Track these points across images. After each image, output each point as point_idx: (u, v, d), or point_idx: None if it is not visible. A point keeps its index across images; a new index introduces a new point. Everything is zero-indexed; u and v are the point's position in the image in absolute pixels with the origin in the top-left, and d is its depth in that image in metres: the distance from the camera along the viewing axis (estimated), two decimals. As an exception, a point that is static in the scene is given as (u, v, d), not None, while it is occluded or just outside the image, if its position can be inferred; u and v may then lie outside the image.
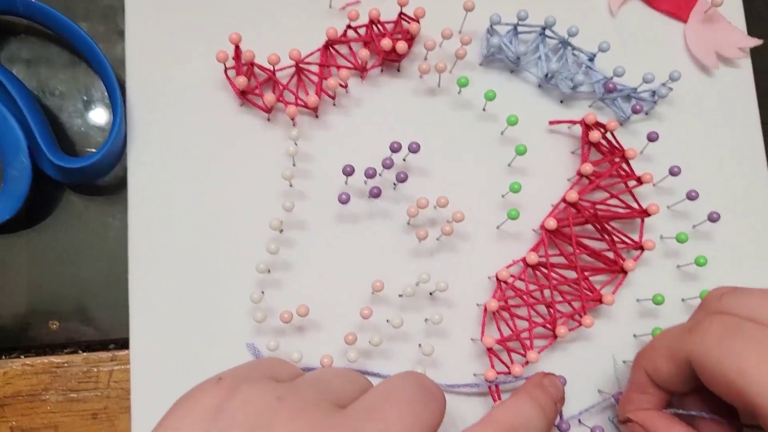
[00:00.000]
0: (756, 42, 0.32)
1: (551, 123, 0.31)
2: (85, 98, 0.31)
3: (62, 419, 0.28)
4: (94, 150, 0.30)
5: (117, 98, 0.29)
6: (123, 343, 0.29)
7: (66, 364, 0.28)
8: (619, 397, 0.29)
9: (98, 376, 0.28)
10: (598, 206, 0.30)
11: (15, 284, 0.29)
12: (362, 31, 0.31)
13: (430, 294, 0.30)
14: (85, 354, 0.28)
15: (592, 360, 0.30)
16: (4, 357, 0.29)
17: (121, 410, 0.28)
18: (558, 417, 0.29)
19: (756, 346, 0.22)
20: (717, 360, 0.22)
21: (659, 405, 0.26)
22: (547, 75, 0.31)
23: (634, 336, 0.30)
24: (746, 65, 0.32)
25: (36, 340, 0.29)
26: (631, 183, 0.30)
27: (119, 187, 0.30)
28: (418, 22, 0.30)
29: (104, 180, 0.31)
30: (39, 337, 0.29)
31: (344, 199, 0.29)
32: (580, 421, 0.29)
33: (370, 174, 0.29)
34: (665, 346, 0.25)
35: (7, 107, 0.28)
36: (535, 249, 0.30)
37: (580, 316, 0.29)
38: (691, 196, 0.30)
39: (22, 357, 0.28)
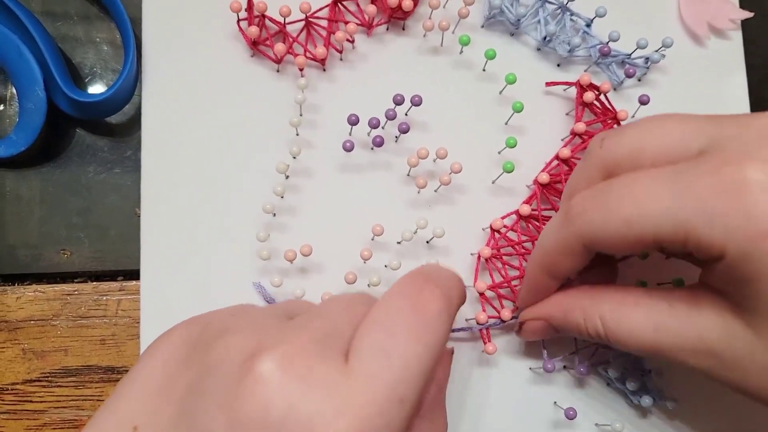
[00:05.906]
0: (747, 14, 0.33)
1: (548, 84, 0.33)
2: (98, 39, 0.32)
3: (72, 344, 0.29)
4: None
5: (129, 37, 0.30)
6: (131, 275, 0.30)
7: (76, 292, 0.29)
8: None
9: (107, 305, 0.29)
10: (589, 164, 0.31)
11: (28, 215, 0.30)
12: (371, -12, 0.32)
13: (427, 242, 0.32)
14: (94, 283, 0.30)
15: (578, 311, 0.32)
16: (17, 284, 0.30)
17: (128, 337, 0.29)
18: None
19: (630, 194, 0.22)
20: (605, 222, 0.23)
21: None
22: (545, 38, 0.32)
23: (619, 290, 0.32)
24: (737, 37, 0.34)
25: (48, 269, 0.30)
26: (622, 144, 0.32)
27: (130, 127, 0.32)
28: (425, -19, 0.31)
29: (116, 120, 0.32)
30: (50, 266, 0.30)
31: (348, 147, 0.30)
32: (565, 367, 0.31)
33: (374, 124, 0.30)
34: (555, 243, 0.25)
35: (23, 41, 0.29)
36: (527, 202, 0.31)
37: (568, 268, 0.31)
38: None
39: (35, 284, 0.29)
